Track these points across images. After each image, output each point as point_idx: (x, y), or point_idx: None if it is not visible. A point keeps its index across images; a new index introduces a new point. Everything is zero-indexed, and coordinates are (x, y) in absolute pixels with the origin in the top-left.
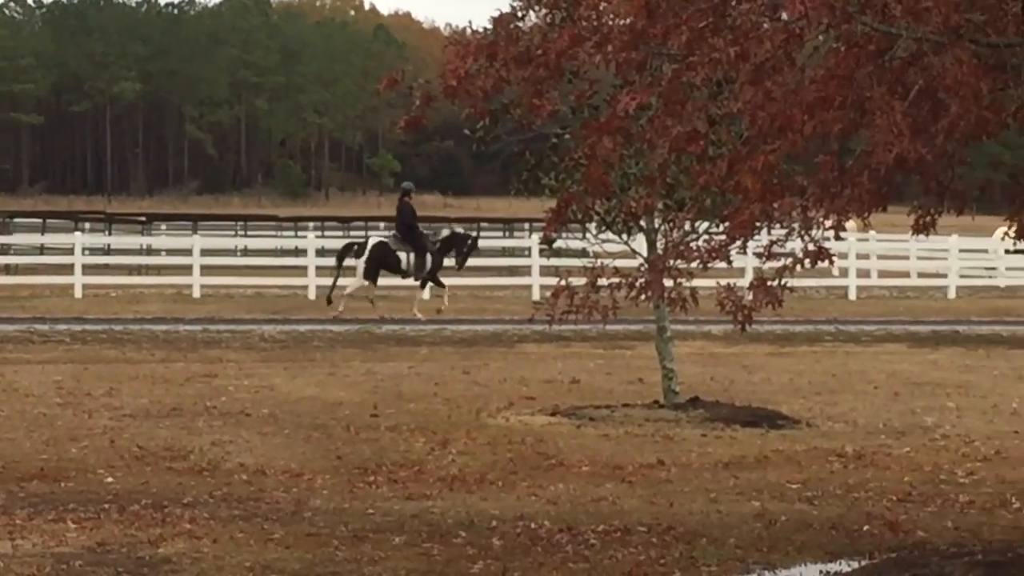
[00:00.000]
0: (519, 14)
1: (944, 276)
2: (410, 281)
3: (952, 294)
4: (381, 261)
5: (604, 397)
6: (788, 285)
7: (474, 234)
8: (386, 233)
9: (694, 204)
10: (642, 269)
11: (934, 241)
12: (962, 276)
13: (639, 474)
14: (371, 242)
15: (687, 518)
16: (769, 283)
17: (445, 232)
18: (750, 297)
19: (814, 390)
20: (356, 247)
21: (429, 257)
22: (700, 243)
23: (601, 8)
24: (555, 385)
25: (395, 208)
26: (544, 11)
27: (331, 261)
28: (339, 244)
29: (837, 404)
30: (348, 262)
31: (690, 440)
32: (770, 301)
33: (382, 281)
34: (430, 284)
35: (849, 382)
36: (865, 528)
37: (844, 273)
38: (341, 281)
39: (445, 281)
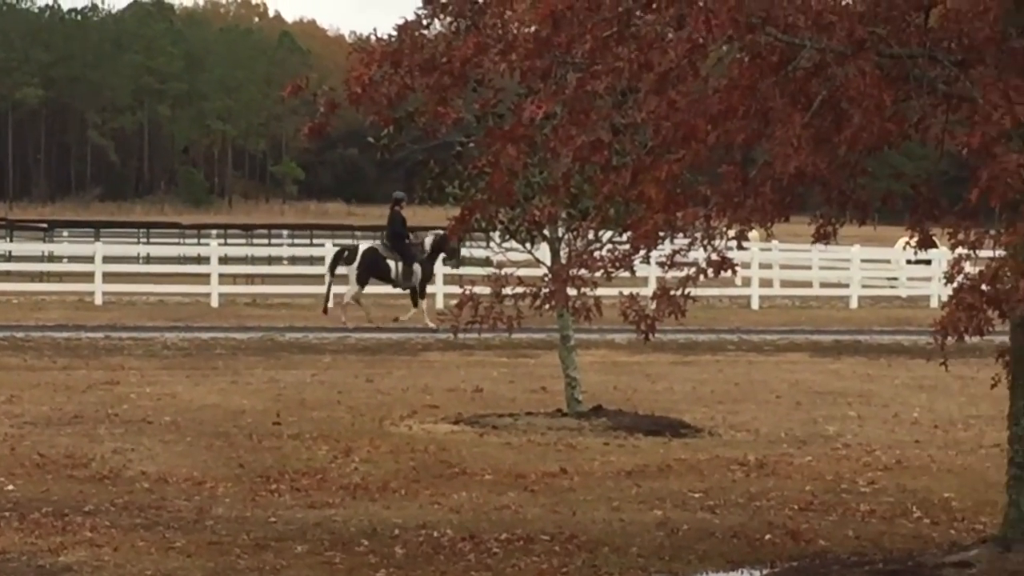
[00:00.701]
0: (424, 22)
1: (846, 286)
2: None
3: (854, 304)
4: (372, 268)
5: (507, 405)
6: (691, 295)
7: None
8: (373, 241)
9: (598, 213)
10: (546, 279)
11: (836, 251)
12: (864, 286)
13: (542, 482)
14: (361, 248)
15: (589, 526)
16: (672, 293)
17: (429, 238)
18: (653, 307)
19: (717, 399)
20: (347, 254)
21: (417, 267)
22: (604, 253)
23: (506, 16)
24: (458, 393)
25: (386, 217)
26: (449, 19)
27: (234, 269)
28: (242, 252)
29: (739, 413)
30: (340, 269)
31: (593, 449)
32: (672, 311)
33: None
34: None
35: (752, 391)
36: (767, 537)
37: (747, 283)
38: (336, 289)
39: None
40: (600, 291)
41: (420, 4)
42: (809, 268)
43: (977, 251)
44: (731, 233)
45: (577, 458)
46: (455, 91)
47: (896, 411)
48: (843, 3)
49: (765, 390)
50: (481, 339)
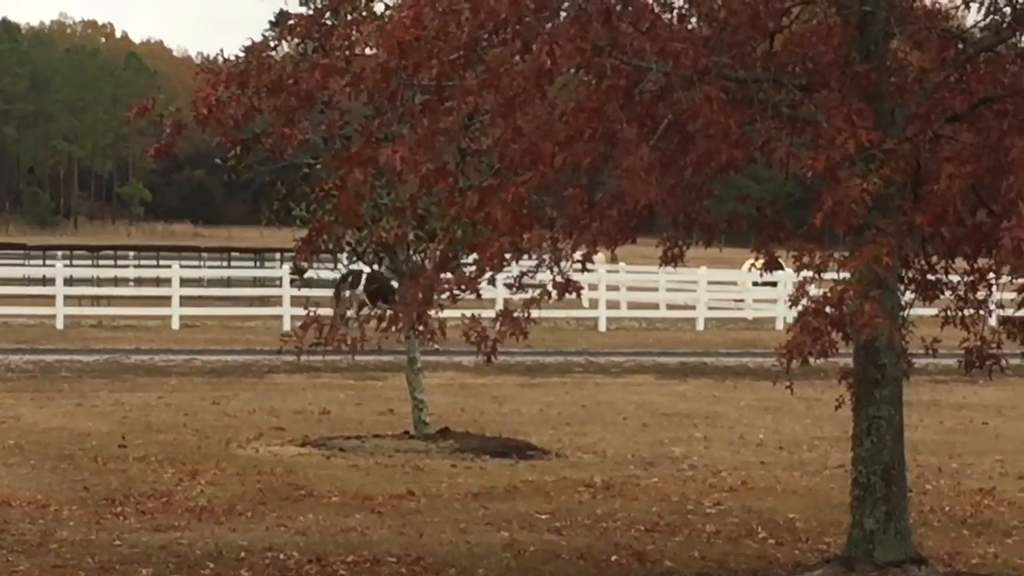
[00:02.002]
0: (271, 43)
1: (693, 308)
2: None
3: (700, 326)
4: (376, 291)
5: (354, 428)
6: (536, 316)
7: None
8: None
9: (445, 235)
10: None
11: (683, 273)
12: (710, 308)
13: (389, 504)
14: (366, 271)
15: (436, 548)
16: (515, 314)
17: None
18: (496, 328)
19: (564, 421)
20: (351, 278)
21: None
22: (451, 274)
23: (353, 38)
24: (305, 416)
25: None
26: (296, 40)
27: (80, 290)
28: (88, 273)
29: (586, 435)
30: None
31: (440, 471)
32: (515, 332)
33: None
34: None
35: (599, 413)
36: (613, 558)
37: (594, 304)
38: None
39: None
40: (447, 313)
41: (268, 26)
42: (656, 290)
43: (821, 274)
44: (577, 255)
45: (424, 480)
46: (302, 113)
47: (742, 433)
48: (688, 28)
49: (612, 412)
50: (328, 361)
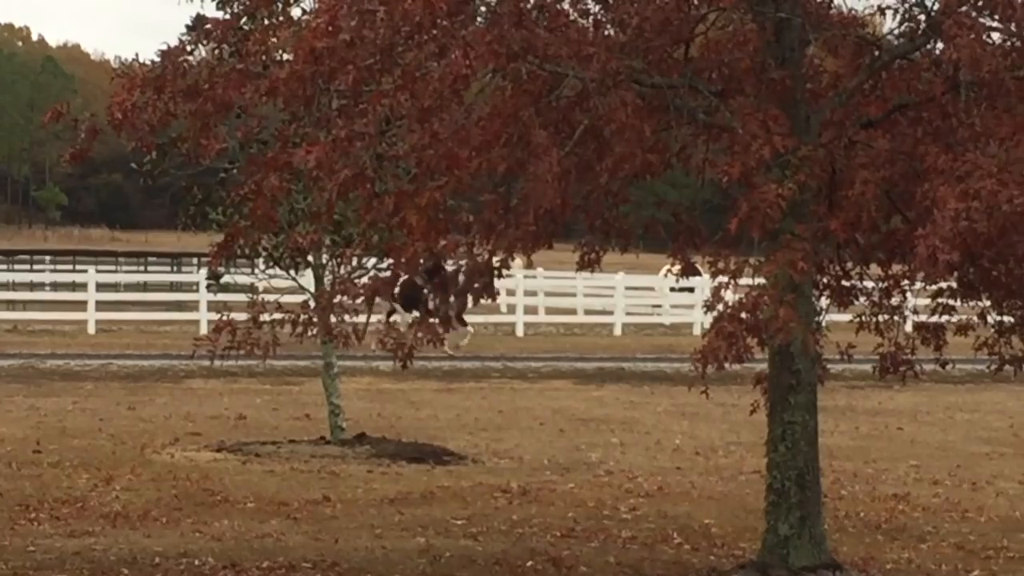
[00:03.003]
0: (188, 48)
1: (610, 313)
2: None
3: (618, 331)
4: (411, 298)
5: (270, 433)
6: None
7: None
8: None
9: (361, 240)
10: (309, 305)
11: (601, 278)
12: (628, 313)
13: (304, 510)
14: (400, 280)
15: (352, 554)
16: (431, 320)
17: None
18: (412, 334)
19: (481, 426)
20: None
21: (453, 298)
22: (367, 279)
23: (270, 43)
24: (221, 421)
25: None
26: (212, 45)
27: None
28: (3, 278)
29: (503, 440)
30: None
31: (356, 476)
32: (432, 339)
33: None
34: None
35: (516, 418)
36: (529, 564)
37: (512, 310)
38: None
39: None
40: (365, 317)
41: (185, 30)
42: (574, 295)
43: (737, 280)
44: (494, 261)
45: (340, 486)
46: (218, 118)
47: (658, 438)
48: (605, 33)
49: (529, 417)
50: (245, 366)
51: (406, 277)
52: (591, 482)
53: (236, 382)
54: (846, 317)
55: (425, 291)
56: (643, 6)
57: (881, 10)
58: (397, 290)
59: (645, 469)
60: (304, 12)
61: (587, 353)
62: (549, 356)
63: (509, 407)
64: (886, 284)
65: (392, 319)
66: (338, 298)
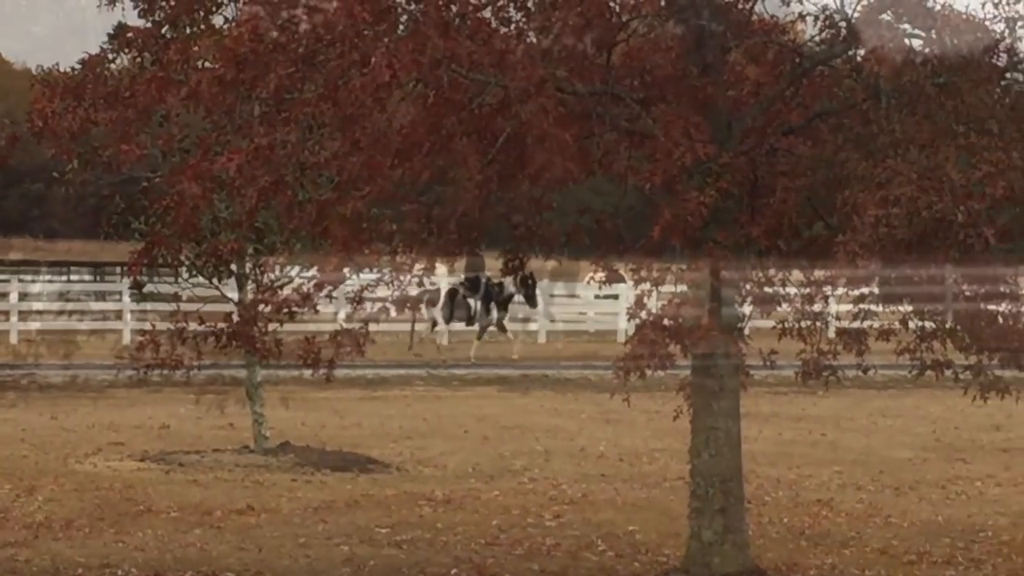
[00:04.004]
0: (109, 56)
1: (535, 320)
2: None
3: (542, 338)
4: (454, 307)
5: (194, 442)
6: (378, 330)
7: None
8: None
9: (284, 249)
10: (232, 316)
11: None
12: (552, 320)
13: (228, 519)
14: (444, 289)
15: (276, 564)
16: (351, 329)
17: (507, 279)
18: (334, 346)
19: (405, 434)
20: (429, 295)
21: (494, 307)
22: (290, 289)
23: (191, 52)
24: (145, 430)
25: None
26: (134, 53)
27: None
28: None
29: (427, 448)
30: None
31: (280, 485)
32: (351, 350)
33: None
34: (488, 331)
35: (440, 426)
36: (453, 572)
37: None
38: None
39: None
40: (290, 326)
41: (106, 38)
42: None
43: (660, 287)
44: (417, 269)
45: (264, 495)
46: (139, 126)
47: (583, 445)
48: (527, 40)
49: (453, 425)
50: (168, 375)
51: (450, 288)
52: (515, 490)
53: (159, 391)
54: (769, 323)
55: (467, 300)
56: (565, 13)
57: (802, 17)
58: (441, 299)
59: (569, 476)
60: (226, 20)
61: (511, 360)
62: (473, 363)
63: (433, 415)
64: (808, 290)
65: (436, 327)
66: (262, 308)
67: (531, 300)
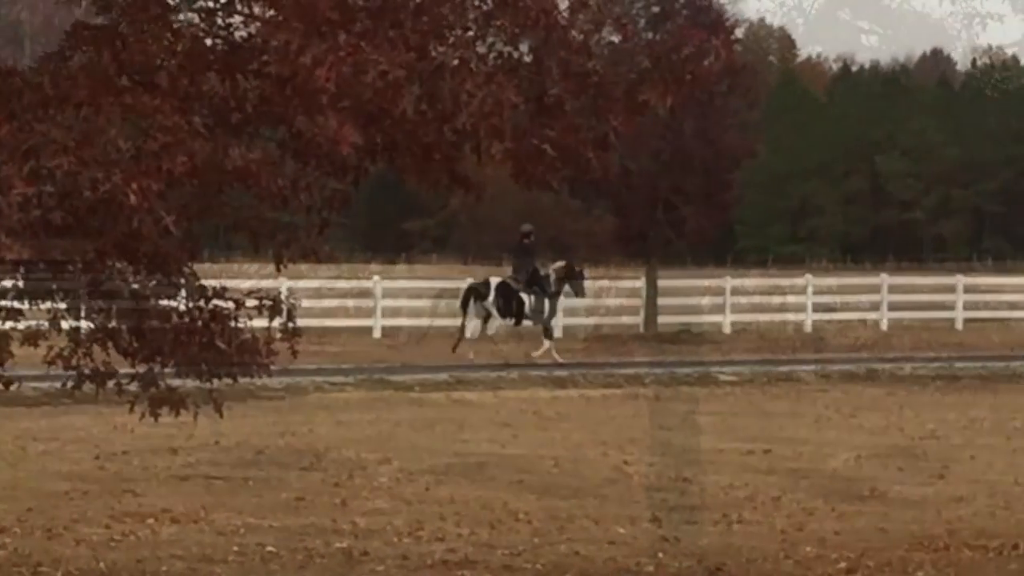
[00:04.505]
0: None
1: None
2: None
3: None
4: (506, 302)
5: None
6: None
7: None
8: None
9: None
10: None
11: None
12: None
13: None
14: (494, 283)
15: None
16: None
17: (553, 273)
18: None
19: None
20: (478, 290)
21: (547, 301)
22: None
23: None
24: None
25: (511, 250)
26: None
27: None
28: None
29: None
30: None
31: None
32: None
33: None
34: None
35: None
36: None
37: None
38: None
39: None
40: None
41: None
42: None
43: None
44: None
45: None
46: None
47: None
48: None
49: None
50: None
51: (500, 281)
52: None
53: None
54: None
55: (521, 296)
56: None
57: None
58: (492, 294)
59: None
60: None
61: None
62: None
63: None
64: None
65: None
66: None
67: (580, 291)
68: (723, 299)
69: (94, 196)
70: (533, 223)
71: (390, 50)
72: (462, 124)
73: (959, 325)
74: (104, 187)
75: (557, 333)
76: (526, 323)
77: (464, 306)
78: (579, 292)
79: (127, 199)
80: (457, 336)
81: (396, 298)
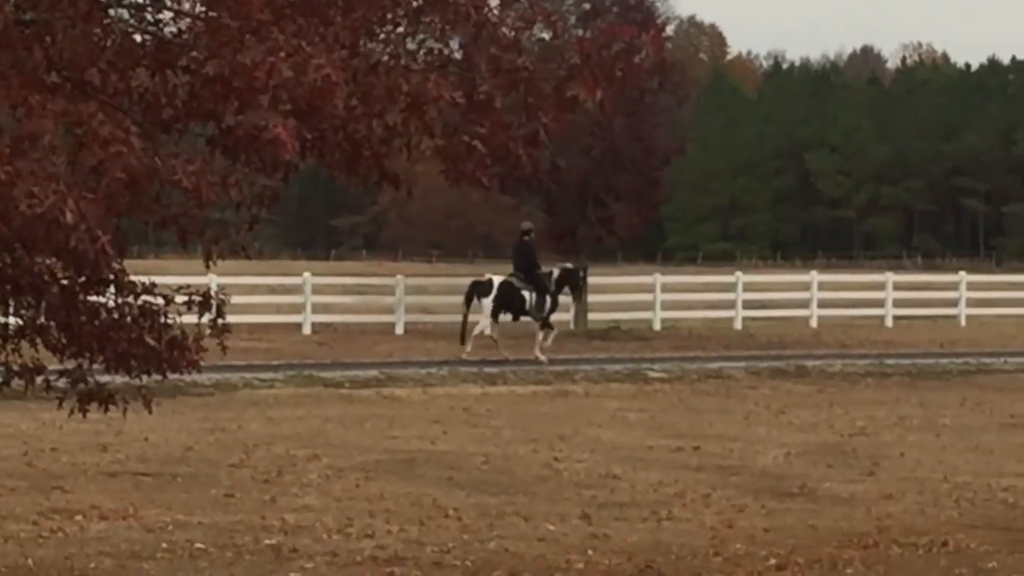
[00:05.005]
0: None
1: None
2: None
3: None
4: (507, 300)
5: None
6: None
7: (581, 270)
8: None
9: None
10: None
11: None
12: None
13: None
14: (496, 281)
15: None
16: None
17: (556, 271)
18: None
19: None
20: (481, 286)
21: (548, 298)
22: None
23: None
24: None
25: (512, 248)
26: None
27: None
28: None
29: None
30: (476, 302)
31: None
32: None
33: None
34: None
35: None
36: None
37: None
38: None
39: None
40: None
41: None
42: None
43: None
44: None
45: None
46: None
47: None
48: None
49: None
50: None
51: (503, 279)
52: None
53: None
54: None
55: (523, 293)
56: None
57: None
58: (495, 292)
59: None
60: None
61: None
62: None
63: None
64: None
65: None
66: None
67: (578, 293)
68: (653, 296)
69: (30, 212)
70: (462, 220)
71: (325, 50)
72: (392, 121)
73: (889, 322)
74: (40, 208)
75: (490, 331)
76: (524, 319)
77: (468, 302)
78: (576, 295)
79: (63, 217)
80: (461, 331)
81: (325, 294)
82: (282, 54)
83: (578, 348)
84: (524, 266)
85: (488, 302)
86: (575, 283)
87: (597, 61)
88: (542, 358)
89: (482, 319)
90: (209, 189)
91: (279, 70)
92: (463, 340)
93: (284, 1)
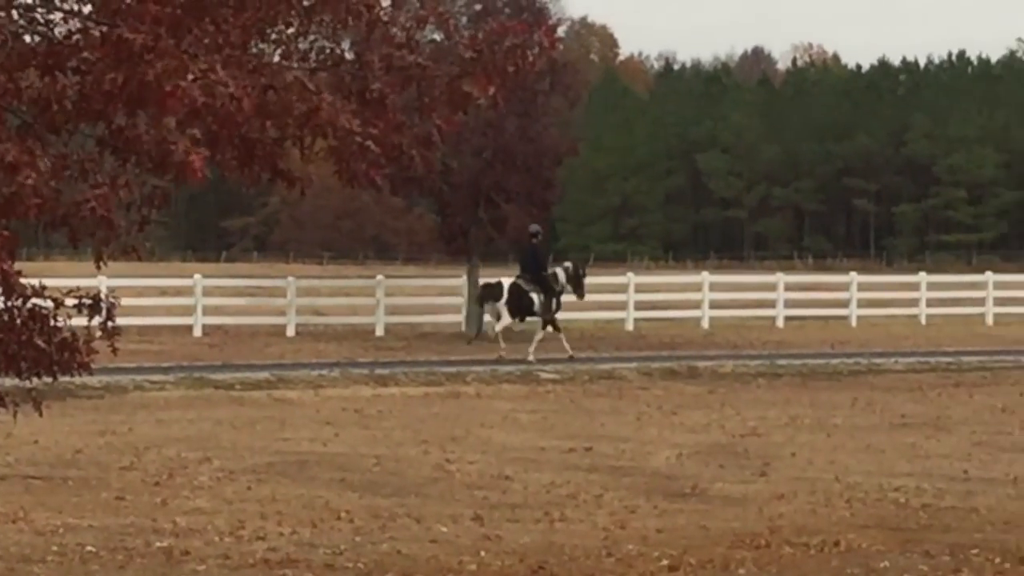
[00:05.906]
0: None
1: None
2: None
3: None
4: (517, 302)
5: None
6: None
7: (579, 264)
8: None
9: None
10: None
11: None
12: None
13: None
14: (506, 284)
15: None
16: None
17: (561, 271)
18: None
19: None
20: (492, 289)
21: (555, 299)
22: None
23: None
24: None
25: (520, 251)
26: None
27: None
28: None
29: None
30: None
31: None
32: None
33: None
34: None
35: None
36: None
37: None
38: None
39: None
40: None
41: None
42: None
43: None
44: None
45: None
46: None
47: None
48: None
49: None
50: None
51: (512, 282)
52: None
53: None
54: None
55: (532, 296)
56: None
57: None
58: (505, 295)
59: None
60: None
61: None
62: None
63: None
64: None
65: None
66: None
67: (580, 291)
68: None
69: None
70: (353, 222)
71: (234, 70)
72: (285, 122)
73: (780, 323)
74: None
75: (379, 331)
76: (530, 319)
77: (481, 304)
78: (579, 292)
79: None
80: (476, 332)
81: (216, 296)
82: (190, 77)
83: (469, 349)
84: (534, 268)
85: (502, 305)
86: (576, 280)
87: (490, 57)
88: (531, 358)
89: (503, 318)
90: (111, 209)
91: (191, 96)
92: (472, 340)
93: (176, 4)
